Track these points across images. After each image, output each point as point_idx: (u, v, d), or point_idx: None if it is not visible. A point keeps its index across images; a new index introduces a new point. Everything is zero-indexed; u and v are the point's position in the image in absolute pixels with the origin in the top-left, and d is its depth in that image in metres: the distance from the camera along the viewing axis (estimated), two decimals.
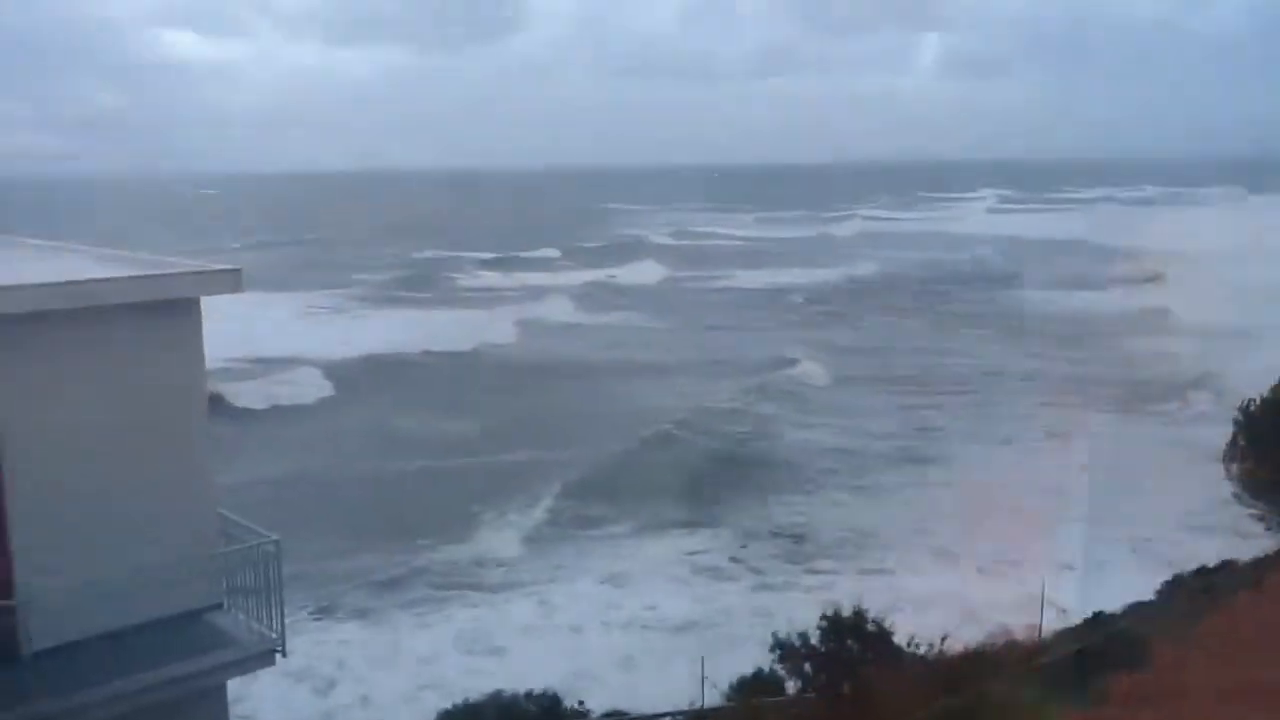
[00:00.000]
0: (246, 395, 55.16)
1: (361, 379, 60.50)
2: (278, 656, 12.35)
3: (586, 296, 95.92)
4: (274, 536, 12.47)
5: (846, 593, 26.62)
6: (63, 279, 11.47)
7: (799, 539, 36.00)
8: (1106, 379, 60.67)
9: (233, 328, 72.54)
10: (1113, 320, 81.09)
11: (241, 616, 12.41)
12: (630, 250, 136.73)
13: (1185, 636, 5.14)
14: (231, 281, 12.54)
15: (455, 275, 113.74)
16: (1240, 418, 24.71)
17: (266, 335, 73.57)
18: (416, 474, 43.25)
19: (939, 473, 43.47)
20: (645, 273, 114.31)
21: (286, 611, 12.29)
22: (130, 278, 12.09)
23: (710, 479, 42.04)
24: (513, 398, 57.78)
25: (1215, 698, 4.31)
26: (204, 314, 12.29)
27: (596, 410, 54.75)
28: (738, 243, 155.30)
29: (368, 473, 43.58)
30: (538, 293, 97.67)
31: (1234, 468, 24.63)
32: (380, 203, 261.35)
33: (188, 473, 12.30)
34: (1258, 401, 24.71)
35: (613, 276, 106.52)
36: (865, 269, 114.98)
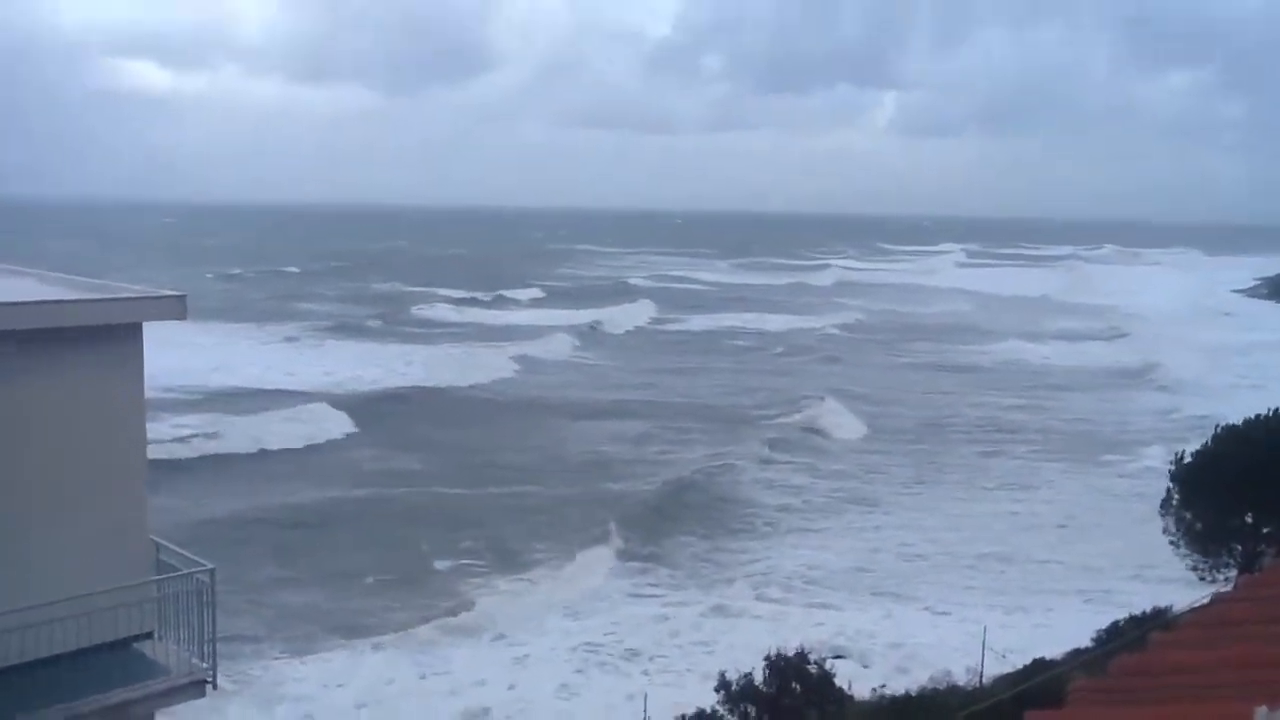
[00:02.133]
0: (272, 432, 54.23)
1: (377, 416, 59.94)
2: (208, 688, 12.13)
3: (581, 336, 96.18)
4: (208, 565, 12.28)
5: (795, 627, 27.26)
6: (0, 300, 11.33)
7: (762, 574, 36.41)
8: (1069, 430, 61.70)
9: (223, 357, 74.20)
10: (1077, 373, 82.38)
11: (173, 646, 12.18)
12: (615, 292, 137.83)
13: (1099, 672, 5.39)
14: (176, 307, 12.46)
15: (444, 311, 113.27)
16: (1174, 470, 25.19)
17: (262, 368, 74.30)
18: (433, 510, 43.38)
19: (900, 517, 44.02)
20: (635, 314, 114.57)
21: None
22: (71, 301, 11.97)
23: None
24: (528, 437, 57.66)
25: None
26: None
27: (615, 454, 54.27)
28: (718, 288, 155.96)
29: (406, 508, 43.89)
30: (531, 332, 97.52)
31: (1170, 519, 25.06)
32: (346, 237, 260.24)
33: (123, 498, 12.12)
34: (1189, 456, 25.21)
35: (599, 321, 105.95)
36: (851, 317, 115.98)
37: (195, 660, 11.99)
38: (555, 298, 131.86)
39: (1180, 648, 6.27)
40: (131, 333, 12.07)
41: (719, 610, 32.32)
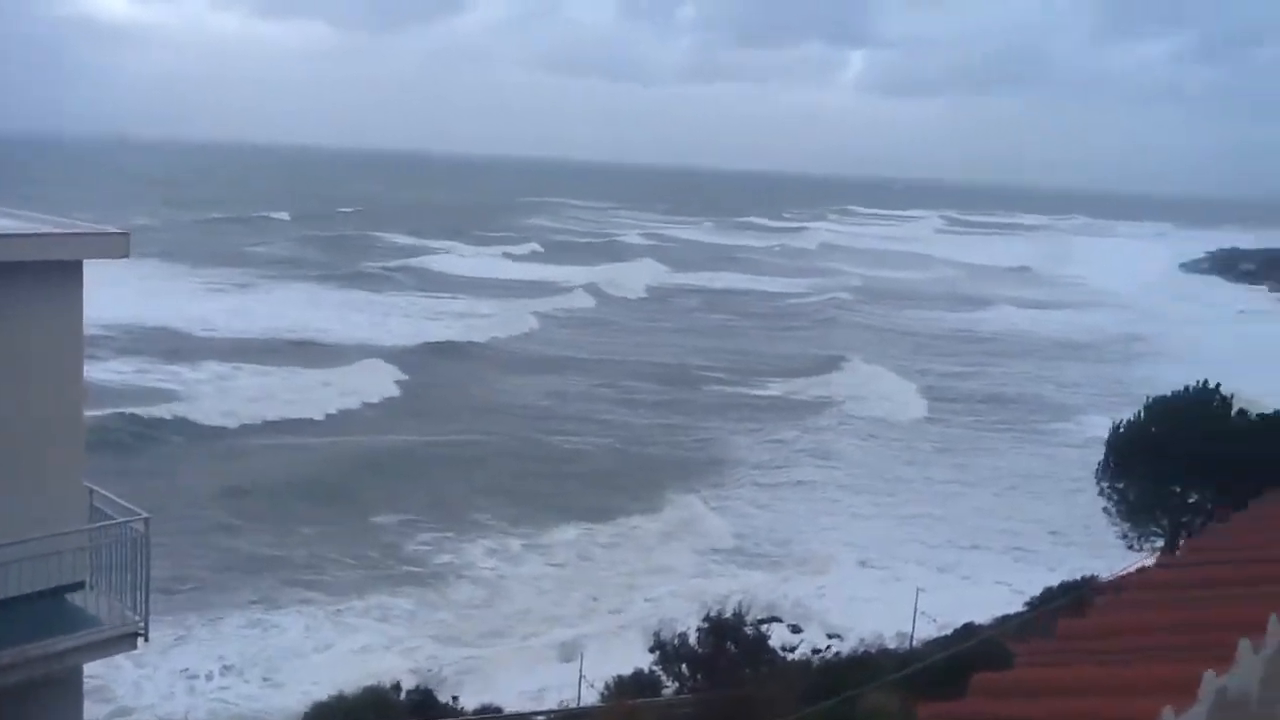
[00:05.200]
0: (348, 384, 55.49)
1: (430, 369, 61.41)
2: (140, 640, 12.09)
3: (597, 294, 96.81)
4: (143, 514, 12.16)
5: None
6: None
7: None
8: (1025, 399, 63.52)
9: (240, 304, 77.42)
10: (1045, 343, 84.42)
11: (104, 597, 12.09)
12: (613, 250, 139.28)
13: (1047, 635, 5.51)
14: (119, 245, 12.21)
15: (450, 264, 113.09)
16: (1111, 439, 25.71)
17: (294, 316, 75.52)
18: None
19: (844, 474, 45.28)
20: (642, 273, 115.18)
21: None
22: (5, 236, 11.72)
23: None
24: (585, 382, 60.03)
25: (1074, 693, 4.65)
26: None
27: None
28: (708, 248, 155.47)
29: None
30: (547, 288, 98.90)
31: (1105, 487, 25.60)
32: (319, 182, 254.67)
33: (57, 442, 11.94)
34: (1124, 424, 25.74)
35: (610, 280, 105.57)
36: (852, 282, 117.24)
37: (128, 612, 11.91)
38: (555, 252, 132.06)
39: (1125, 610, 6.39)
40: (71, 271, 11.83)
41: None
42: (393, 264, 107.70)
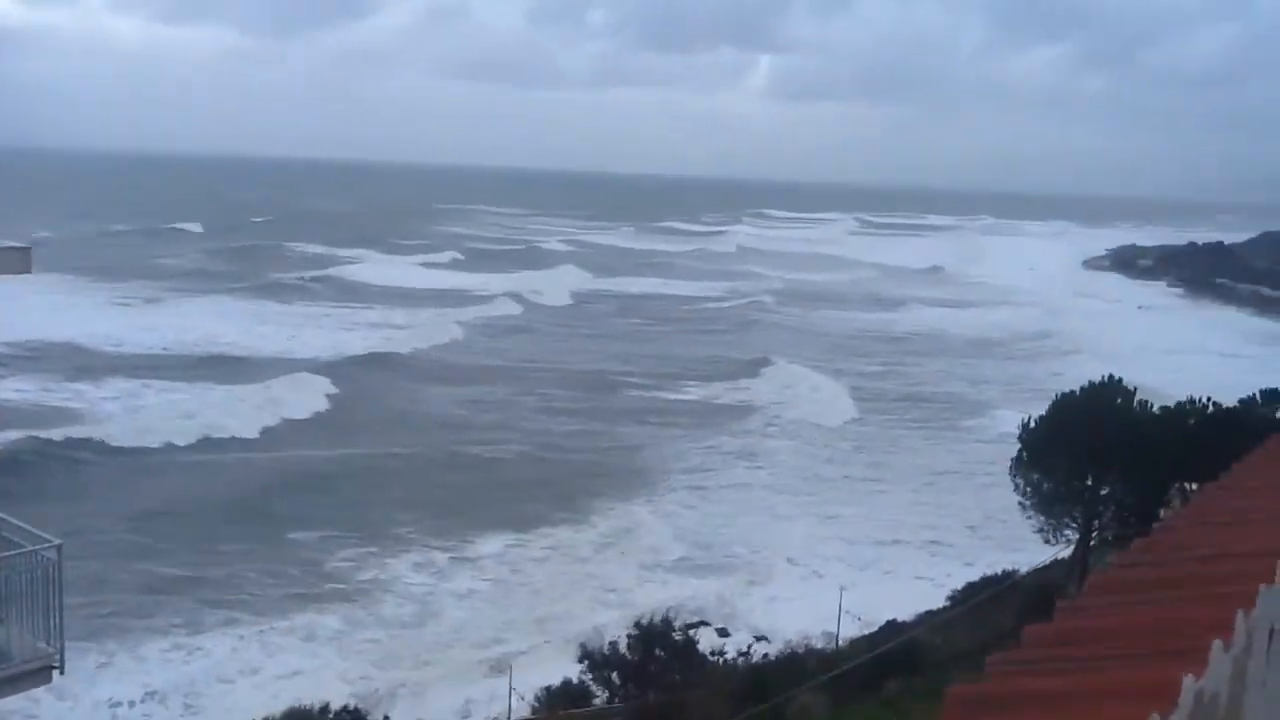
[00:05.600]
0: (264, 399, 54.21)
1: (352, 381, 60.25)
2: (55, 673, 11.71)
3: (523, 300, 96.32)
4: (55, 541, 11.78)
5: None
6: None
7: None
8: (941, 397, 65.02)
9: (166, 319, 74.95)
10: (958, 341, 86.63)
11: (15, 630, 11.68)
12: (533, 256, 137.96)
13: (1014, 643, 5.57)
14: (20, 260, 11.93)
15: (371, 273, 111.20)
16: (1022, 434, 26.37)
17: (204, 330, 73.33)
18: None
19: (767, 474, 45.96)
20: (565, 279, 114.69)
21: None
22: None
23: None
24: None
25: (1053, 702, 4.68)
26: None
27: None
28: (630, 254, 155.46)
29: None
30: (469, 297, 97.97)
31: (1019, 481, 26.22)
32: (230, 191, 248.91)
33: None
34: (1034, 419, 26.43)
35: (535, 289, 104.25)
36: (772, 284, 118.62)
37: (40, 644, 11.52)
38: (475, 260, 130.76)
39: (1089, 614, 6.44)
40: None
41: None
42: (308, 274, 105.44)
